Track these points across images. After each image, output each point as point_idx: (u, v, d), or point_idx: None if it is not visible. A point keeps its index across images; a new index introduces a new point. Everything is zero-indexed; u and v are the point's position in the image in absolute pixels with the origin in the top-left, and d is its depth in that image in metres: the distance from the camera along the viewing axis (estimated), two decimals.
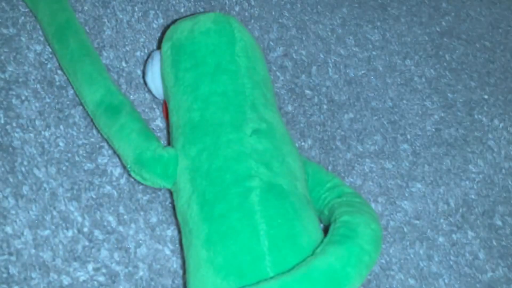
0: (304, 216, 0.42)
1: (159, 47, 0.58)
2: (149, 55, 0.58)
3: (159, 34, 0.64)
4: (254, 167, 0.43)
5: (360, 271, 0.39)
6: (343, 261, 0.38)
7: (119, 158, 0.53)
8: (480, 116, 0.69)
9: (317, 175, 0.51)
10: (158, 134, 0.57)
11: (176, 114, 0.49)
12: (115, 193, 0.52)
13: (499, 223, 0.61)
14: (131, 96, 0.59)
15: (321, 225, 0.49)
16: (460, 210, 0.61)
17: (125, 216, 0.51)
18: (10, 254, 0.47)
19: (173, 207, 0.52)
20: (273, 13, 0.72)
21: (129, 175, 0.51)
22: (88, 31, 0.62)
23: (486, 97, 0.72)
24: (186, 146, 0.46)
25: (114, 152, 0.54)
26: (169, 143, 0.54)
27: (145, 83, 0.57)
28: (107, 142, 0.54)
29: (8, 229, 0.48)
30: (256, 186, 0.42)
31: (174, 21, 0.65)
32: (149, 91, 0.57)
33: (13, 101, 0.55)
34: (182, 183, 0.45)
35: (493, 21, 0.82)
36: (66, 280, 0.46)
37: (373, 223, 0.43)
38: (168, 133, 0.57)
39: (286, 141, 0.48)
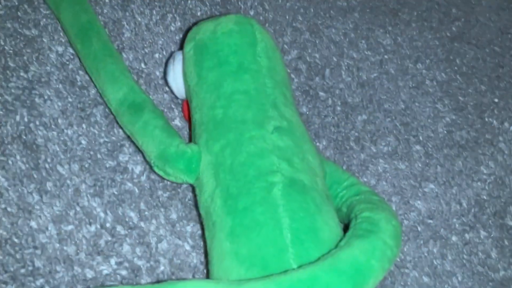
0: (324, 210, 0.43)
1: (180, 48, 0.59)
2: (170, 55, 0.59)
3: (176, 37, 0.66)
4: (276, 163, 0.44)
5: (383, 264, 0.40)
6: (367, 254, 0.39)
7: (141, 156, 0.54)
8: (490, 119, 0.71)
9: (334, 173, 0.52)
10: None
11: (199, 112, 0.50)
12: (136, 190, 0.53)
13: (511, 223, 0.62)
14: (151, 97, 0.60)
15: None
16: (472, 210, 0.62)
17: (146, 212, 0.52)
18: (36, 248, 0.48)
19: (194, 204, 0.53)
20: (287, 17, 0.73)
21: (152, 171, 0.52)
22: (107, 33, 0.63)
23: (496, 100, 0.73)
24: (209, 142, 0.47)
25: (135, 150, 0.55)
26: (189, 141, 0.55)
27: (166, 82, 0.58)
28: (129, 140, 0.55)
29: (33, 224, 0.49)
30: (278, 181, 0.43)
31: (191, 24, 0.67)
32: (170, 90, 0.59)
33: (36, 100, 0.56)
34: (205, 178, 0.46)
35: (502, 27, 0.83)
36: (89, 274, 0.47)
37: (393, 219, 0.44)
38: (187, 132, 0.58)
39: (306, 139, 0.49)
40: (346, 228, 0.45)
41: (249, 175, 0.44)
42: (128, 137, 0.56)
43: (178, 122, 0.60)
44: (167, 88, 0.61)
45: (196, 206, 0.50)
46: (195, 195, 0.51)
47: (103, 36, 0.57)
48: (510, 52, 0.80)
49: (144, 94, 0.53)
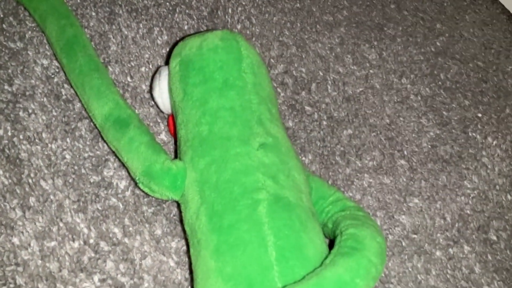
0: (310, 228, 0.44)
1: (166, 63, 0.59)
2: (156, 71, 0.59)
3: (163, 50, 0.66)
4: (262, 180, 0.44)
5: (368, 282, 0.40)
6: (352, 273, 0.39)
7: (126, 170, 0.54)
8: (474, 134, 0.71)
9: (320, 188, 0.52)
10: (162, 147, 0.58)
11: (184, 128, 0.50)
12: (121, 205, 0.53)
13: (494, 237, 0.62)
14: (136, 110, 0.60)
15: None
16: (456, 225, 0.62)
17: (131, 228, 0.52)
18: (17, 265, 0.47)
19: (179, 220, 0.53)
20: (274, 31, 0.73)
21: (137, 187, 0.52)
22: (94, 47, 0.63)
23: (479, 115, 0.74)
24: (194, 159, 0.47)
25: (120, 165, 0.55)
26: (175, 156, 0.55)
27: (152, 97, 0.58)
28: (113, 155, 0.55)
29: (15, 240, 0.48)
30: (263, 198, 0.43)
31: (178, 39, 0.67)
32: (156, 105, 0.58)
33: (21, 114, 0.56)
34: (190, 195, 0.46)
35: (485, 42, 0.84)
36: None
37: (378, 236, 0.44)
38: (173, 147, 0.58)
39: (291, 155, 0.49)
40: (332, 243, 0.45)
41: (234, 192, 0.43)
42: (113, 151, 0.55)
43: (164, 136, 0.59)
44: (153, 102, 0.61)
45: (181, 222, 0.50)
46: (180, 211, 0.50)
47: (89, 50, 0.57)
48: (494, 67, 0.81)
49: (129, 109, 0.53)
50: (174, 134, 0.55)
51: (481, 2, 0.90)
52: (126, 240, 0.51)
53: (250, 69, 0.52)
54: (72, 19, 0.59)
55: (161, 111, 0.59)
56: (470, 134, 0.71)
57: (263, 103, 0.50)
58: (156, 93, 0.56)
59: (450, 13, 0.87)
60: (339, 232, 0.45)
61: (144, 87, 0.62)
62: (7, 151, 0.53)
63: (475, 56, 0.81)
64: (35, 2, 0.60)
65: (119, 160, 0.54)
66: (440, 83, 0.76)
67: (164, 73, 0.55)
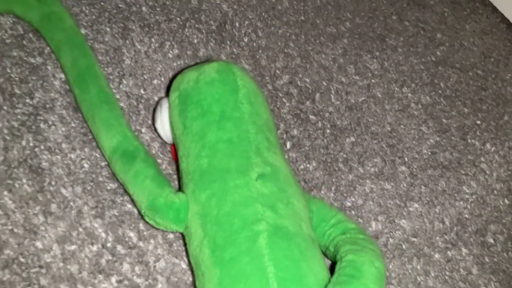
0: (310, 256, 0.45)
1: (167, 94, 0.61)
2: (157, 102, 0.61)
3: (174, 64, 0.69)
4: (261, 211, 0.45)
5: None
6: None
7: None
8: (473, 141, 0.74)
9: (321, 211, 0.53)
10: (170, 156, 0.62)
11: (185, 161, 0.51)
12: (135, 211, 0.56)
13: (491, 240, 0.65)
14: (149, 121, 0.63)
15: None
16: (455, 229, 0.65)
17: (145, 233, 0.55)
18: (41, 267, 0.51)
19: (186, 253, 0.55)
20: (279, 43, 0.77)
21: (143, 219, 0.54)
22: (108, 60, 0.67)
23: (478, 122, 0.77)
24: (196, 192, 0.48)
25: None
26: (178, 180, 0.58)
27: (154, 128, 0.60)
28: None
29: (39, 244, 0.52)
30: (263, 230, 0.44)
31: (189, 52, 0.70)
32: (159, 136, 0.61)
33: (41, 125, 0.59)
34: (193, 228, 0.48)
35: (485, 51, 0.87)
36: None
37: (377, 261, 0.46)
38: (177, 169, 0.60)
39: (290, 182, 0.50)
40: (334, 266, 0.48)
41: (234, 224, 0.45)
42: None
43: None
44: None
45: (187, 253, 0.52)
46: (185, 244, 0.53)
47: (101, 81, 0.59)
48: (493, 75, 0.84)
49: (137, 141, 0.54)
50: (176, 160, 0.57)
51: (481, 11, 0.93)
52: (141, 243, 0.54)
53: (247, 99, 0.53)
54: (86, 49, 0.62)
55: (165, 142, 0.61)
56: (469, 140, 0.74)
57: (260, 132, 0.51)
58: (158, 125, 0.58)
59: (451, 23, 0.90)
60: (339, 258, 0.46)
61: (156, 98, 0.66)
62: (30, 161, 0.57)
63: (474, 65, 0.84)
64: (51, 32, 0.63)
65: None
66: (440, 91, 0.79)
67: (165, 105, 0.57)
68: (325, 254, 0.52)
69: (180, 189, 0.53)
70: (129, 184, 0.52)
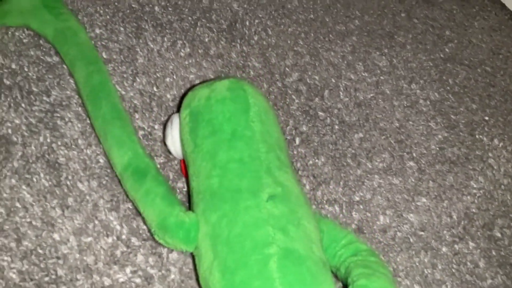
0: (320, 280, 0.44)
1: (178, 110, 0.61)
2: (168, 118, 0.60)
3: (186, 62, 0.71)
4: (272, 234, 0.45)
5: None
6: None
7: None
8: (481, 136, 0.75)
9: (332, 232, 0.52)
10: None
11: (196, 180, 0.51)
12: None
13: (498, 234, 0.66)
14: (162, 118, 0.65)
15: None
16: (462, 223, 0.66)
17: None
18: (58, 258, 0.53)
19: (195, 276, 0.56)
20: (289, 41, 0.78)
21: (153, 238, 0.54)
22: (122, 59, 0.69)
23: (486, 118, 0.77)
24: (206, 212, 0.48)
25: None
26: (188, 196, 0.58)
27: (165, 145, 0.60)
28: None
29: (56, 236, 0.54)
30: (274, 253, 0.44)
31: (200, 51, 0.72)
32: (169, 152, 0.60)
33: (58, 122, 0.62)
34: (203, 249, 0.47)
35: (493, 48, 0.87)
36: (107, 282, 0.52)
37: (389, 286, 0.46)
38: (187, 184, 0.60)
39: (301, 202, 0.49)
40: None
41: (245, 247, 0.44)
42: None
43: None
44: (176, 110, 0.66)
45: (196, 274, 0.52)
46: (194, 265, 0.53)
47: (113, 98, 0.59)
48: (501, 71, 0.84)
49: (148, 158, 0.55)
50: (186, 175, 0.57)
51: (490, 9, 0.93)
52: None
53: (258, 117, 0.53)
54: (100, 65, 0.62)
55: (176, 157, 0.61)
56: (477, 136, 0.75)
57: (271, 151, 0.51)
58: (169, 141, 0.58)
59: (459, 20, 0.90)
60: (350, 281, 0.46)
61: (168, 96, 0.67)
62: (47, 156, 0.59)
63: (483, 62, 0.85)
64: (66, 47, 0.64)
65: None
66: (448, 88, 0.80)
67: (175, 122, 0.57)
68: (335, 275, 0.52)
69: (190, 207, 0.54)
70: (140, 203, 0.52)
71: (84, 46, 0.64)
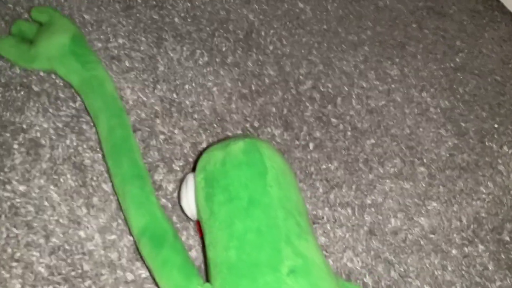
0: None
1: (193, 169, 0.59)
2: (183, 179, 0.59)
3: (204, 70, 0.74)
4: None
5: None
6: None
7: (174, 175, 0.62)
8: (490, 143, 0.77)
9: None
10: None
11: (213, 250, 0.49)
12: (169, 204, 0.61)
13: (507, 238, 0.67)
14: (181, 123, 0.68)
15: None
16: (472, 227, 0.68)
17: (178, 225, 0.60)
18: (84, 254, 0.56)
19: None
20: (303, 51, 0.81)
21: None
22: (144, 67, 0.72)
23: (496, 126, 0.79)
24: (224, 287, 0.46)
25: (169, 170, 0.63)
26: (204, 258, 0.56)
27: (180, 206, 0.59)
28: (162, 161, 0.63)
29: (82, 233, 0.57)
30: None
31: (217, 60, 0.75)
32: (184, 214, 0.60)
33: (83, 126, 0.65)
34: None
35: (504, 58, 0.89)
36: (130, 277, 0.55)
37: None
38: (202, 243, 0.60)
39: (323, 274, 0.47)
40: None
41: None
42: (162, 159, 0.64)
43: (205, 145, 0.67)
44: (196, 115, 0.69)
45: None
46: None
47: (135, 155, 0.59)
48: (511, 81, 0.86)
49: (166, 222, 0.54)
50: (201, 235, 0.55)
51: (500, 19, 0.95)
52: None
53: (275, 181, 0.51)
54: (123, 118, 0.61)
55: (189, 217, 0.60)
56: (486, 143, 0.77)
57: (290, 217, 0.49)
58: (184, 203, 0.56)
59: (470, 30, 0.92)
60: None
61: (187, 102, 0.70)
62: (73, 158, 0.62)
63: (493, 71, 0.87)
64: (90, 98, 0.63)
65: (168, 166, 0.63)
66: (458, 96, 0.82)
67: (190, 183, 0.55)
68: None
69: (206, 277, 0.52)
70: (156, 272, 0.51)
71: (108, 98, 0.62)
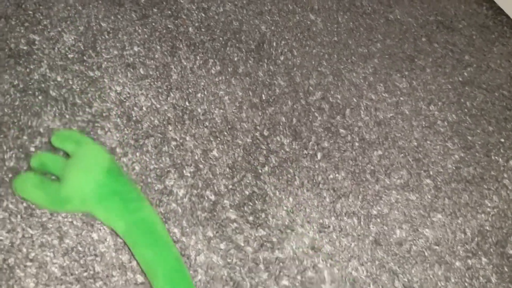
0: None
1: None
2: None
3: (216, 79, 0.76)
4: None
5: None
6: None
7: (185, 180, 0.63)
8: (496, 157, 0.78)
9: None
10: (214, 163, 0.68)
11: None
12: (180, 209, 0.62)
13: (511, 252, 0.68)
14: (193, 130, 0.70)
15: None
16: (476, 239, 0.68)
17: (187, 229, 0.61)
18: (96, 255, 0.57)
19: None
20: (313, 62, 0.83)
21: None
22: (158, 75, 0.74)
23: (502, 140, 0.80)
24: None
25: (180, 175, 0.65)
26: None
27: None
28: (174, 167, 0.65)
29: (94, 235, 0.59)
30: None
31: (230, 69, 0.77)
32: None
33: (99, 131, 0.67)
34: None
35: (511, 73, 0.90)
36: (140, 279, 0.57)
37: None
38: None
39: None
40: None
41: None
42: (174, 164, 0.65)
43: (215, 153, 0.69)
44: (207, 123, 0.71)
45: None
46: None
47: None
48: None
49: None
50: None
51: (509, 35, 0.96)
52: (183, 239, 0.60)
53: None
54: (183, 270, 0.52)
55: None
56: (492, 157, 0.78)
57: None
58: None
59: (479, 45, 0.94)
60: None
61: (199, 110, 0.72)
62: None
63: (501, 86, 0.88)
64: (141, 248, 0.52)
65: (179, 171, 0.64)
66: (466, 110, 0.83)
67: None
68: None
69: None
70: None
71: (163, 246, 0.52)
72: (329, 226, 0.66)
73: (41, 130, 0.65)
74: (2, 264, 0.55)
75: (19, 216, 0.58)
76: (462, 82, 0.87)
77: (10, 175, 0.60)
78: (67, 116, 0.67)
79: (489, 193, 0.73)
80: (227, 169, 0.67)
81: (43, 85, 0.69)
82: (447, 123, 0.81)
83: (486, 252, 0.67)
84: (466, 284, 0.64)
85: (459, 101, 0.84)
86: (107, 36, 0.76)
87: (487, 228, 0.70)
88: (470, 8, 1.00)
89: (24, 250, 0.56)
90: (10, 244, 0.56)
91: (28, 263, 0.55)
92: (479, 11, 1.00)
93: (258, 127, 0.73)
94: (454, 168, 0.75)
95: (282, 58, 0.82)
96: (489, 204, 0.72)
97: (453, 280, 0.64)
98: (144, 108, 0.70)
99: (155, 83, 0.73)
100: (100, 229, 0.59)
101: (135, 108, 0.70)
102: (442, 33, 0.94)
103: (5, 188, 0.59)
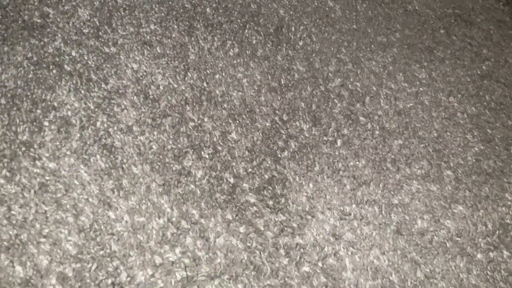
0: None
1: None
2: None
3: (234, 61, 0.74)
4: None
5: None
6: None
7: (203, 161, 0.61)
8: None
9: None
10: (233, 145, 0.66)
11: None
12: (198, 191, 0.60)
13: None
14: (211, 112, 0.68)
15: None
16: (497, 232, 0.67)
17: (206, 211, 0.59)
18: (113, 234, 0.55)
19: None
20: (332, 49, 0.81)
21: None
22: (175, 54, 0.72)
23: None
24: None
25: (198, 157, 0.63)
26: None
27: None
28: (192, 148, 0.63)
29: (111, 214, 0.56)
30: None
31: (248, 52, 0.75)
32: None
33: (115, 108, 0.64)
34: None
35: None
36: (158, 260, 0.54)
37: None
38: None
39: None
40: None
41: None
42: (192, 145, 0.63)
43: (234, 135, 0.67)
44: (225, 105, 0.69)
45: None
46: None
47: None
48: None
49: None
50: None
51: None
52: (202, 220, 0.58)
53: None
54: None
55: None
56: None
57: None
58: None
59: (496, 40, 0.92)
60: None
61: (217, 91, 0.70)
62: (104, 140, 0.61)
63: None
64: None
65: (197, 152, 0.62)
66: (485, 103, 0.82)
67: None
68: None
69: None
70: None
71: None
72: (350, 214, 0.64)
73: (55, 104, 0.62)
74: (14, 240, 0.52)
75: (32, 191, 0.56)
76: (480, 75, 0.86)
77: (23, 149, 0.58)
78: (82, 92, 0.65)
79: (510, 186, 0.72)
80: (246, 152, 0.65)
81: (57, 59, 0.66)
82: (467, 115, 0.79)
83: (508, 246, 0.66)
84: (488, 277, 0.63)
85: (478, 94, 0.83)
86: (123, 13, 0.73)
87: (508, 221, 0.69)
88: (487, 2, 0.98)
89: (38, 226, 0.54)
90: (23, 220, 0.54)
91: (42, 239, 0.53)
92: (496, 7, 0.99)
93: (277, 112, 0.71)
94: (474, 160, 0.74)
95: (301, 43, 0.80)
96: (509, 197, 0.71)
97: (475, 272, 0.63)
98: (161, 87, 0.68)
99: (172, 62, 0.71)
100: (117, 208, 0.57)
101: (152, 86, 0.67)
102: (460, 26, 0.92)
103: (18, 162, 0.57)
